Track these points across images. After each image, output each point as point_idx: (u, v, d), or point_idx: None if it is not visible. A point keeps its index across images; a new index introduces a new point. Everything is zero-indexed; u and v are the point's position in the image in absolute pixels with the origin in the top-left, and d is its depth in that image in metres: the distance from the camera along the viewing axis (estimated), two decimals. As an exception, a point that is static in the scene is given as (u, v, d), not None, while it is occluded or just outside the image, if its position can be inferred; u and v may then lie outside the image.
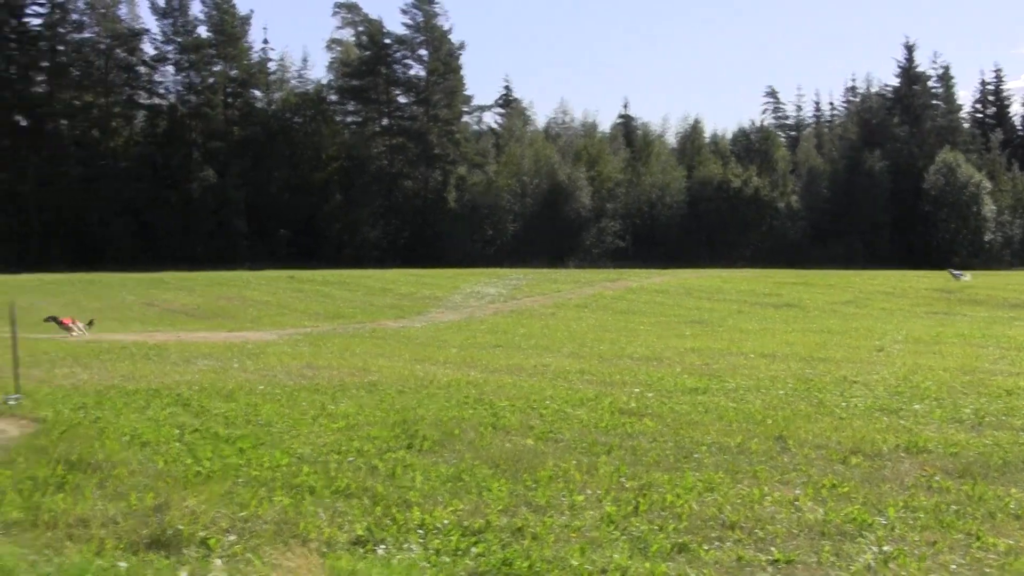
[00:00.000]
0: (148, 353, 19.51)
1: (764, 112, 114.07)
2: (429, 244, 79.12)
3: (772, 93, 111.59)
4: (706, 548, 6.14)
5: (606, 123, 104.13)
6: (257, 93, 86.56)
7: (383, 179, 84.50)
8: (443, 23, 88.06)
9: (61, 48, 78.50)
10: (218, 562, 5.80)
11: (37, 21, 78.30)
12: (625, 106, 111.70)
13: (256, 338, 25.29)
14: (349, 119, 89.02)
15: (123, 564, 5.59)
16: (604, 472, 8.14)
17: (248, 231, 77.49)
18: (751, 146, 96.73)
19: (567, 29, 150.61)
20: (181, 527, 6.31)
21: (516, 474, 8.06)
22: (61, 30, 78.64)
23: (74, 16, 79.17)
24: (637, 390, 13.49)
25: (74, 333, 25.60)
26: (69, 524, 6.46)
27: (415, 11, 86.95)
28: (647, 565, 5.75)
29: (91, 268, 57.41)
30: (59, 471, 7.88)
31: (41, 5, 78.17)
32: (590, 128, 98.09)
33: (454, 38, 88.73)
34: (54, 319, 26.35)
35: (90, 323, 27.20)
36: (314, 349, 21.23)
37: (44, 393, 12.74)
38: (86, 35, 79.81)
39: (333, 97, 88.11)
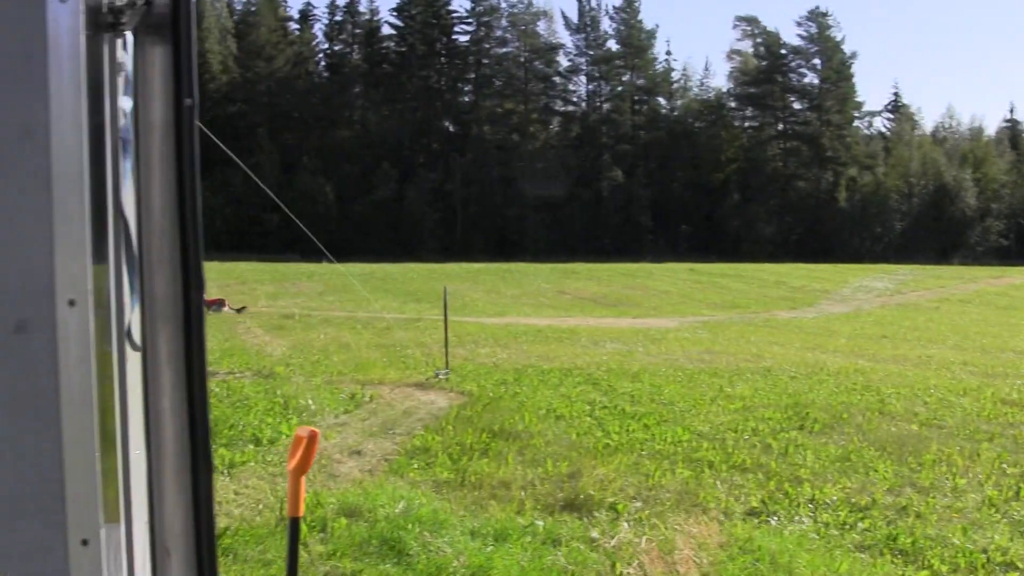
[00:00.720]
0: (560, 336, 20.71)
1: None
2: (820, 240, 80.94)
3: None
4: (1089, 534, 6.16)
5: (992, 127, 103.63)
6: (661, 100, 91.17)
7: (778, 179, 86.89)
8: (836, 34, 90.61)
9: (485, 61, 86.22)
10: (625, 525, 6.09)
11: (465, 38, 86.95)
12: (1011, 111, 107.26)
13: (658, 324, 25.99)
14: (746, 124, 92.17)
15: (540, 523, 5.99)
16: (986, 458, 8.34)
17: (652, 226, 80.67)
18: None
19: (955, 38, 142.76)
20: (592, 492, 6.69)
21: (901, 457, 8.33)
22: (486, 45, 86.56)
23: (497, 32, 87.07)
24: (1019, 382, 13.69)
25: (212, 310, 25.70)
26: (493, 485, 7.03)
27: (809, 23, 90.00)
28: (1027, 547, 5.89)
29: (508, 258, 62.12)
30: (483, 438, 8.59)
31: (468, 23, 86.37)
32: (976, 132, 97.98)
33: (846, 48, 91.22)
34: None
35: (240, 309, 26.42)
36: (712, 336, 21.72)
37: (469, 369, 13.94)
38: (508, 49, 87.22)
39: (732, 103, 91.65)
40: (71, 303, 1.28)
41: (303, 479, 2.83)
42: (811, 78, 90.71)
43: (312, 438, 2.72)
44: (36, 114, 1.25)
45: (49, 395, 1.26)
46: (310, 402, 10.43)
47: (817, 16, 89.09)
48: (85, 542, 1.30)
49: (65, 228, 1.27)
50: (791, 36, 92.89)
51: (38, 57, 1.25)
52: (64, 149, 1.27)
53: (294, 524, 2.98)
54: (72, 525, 1.28)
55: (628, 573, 5.27)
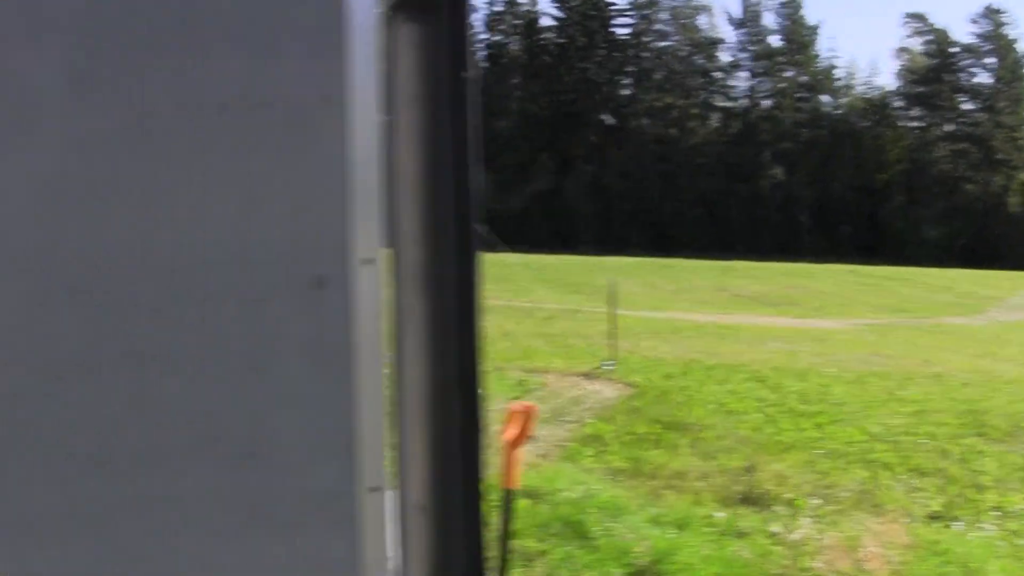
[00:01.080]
0: (722, 333, 20.48)
1: None
2: (988, 246, 76.81)
3: None
4: None
5: None
6: (824, 98, 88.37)
7: (945, 182, 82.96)
8: (1010, 32, 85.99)
9: (645, 55, 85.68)
10: (806, 520, 5.98)
11: (625, 31, 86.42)
12: None
13: (821, 325, 25.44)
14: (913, 124, 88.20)
15: (719, 515, 5.97)
16: None
17: (812, 226, 78.29)
18: None
19: None
20: (769, 488, 6.62)
21: (1091, 473, 8.11)
22: (645, 39, 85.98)
23: (658, 26, 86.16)
24: None
25: None
26: (668, 476, 7.09)
27: (983, 20, 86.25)
28: None
29: (664, 254, 61.42)
30: (655, 429, 8.61)
31: (629, 16, 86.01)
32: None
33: (1020, 47, 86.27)
34: None
35: None
36: (878, 339, 21.28)
37: (634, 362, 13.94)
38: (668, 43, 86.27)
39: (898, 103, 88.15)
40: (366, 261, 1.33)
41: (518, 452, 2.88)
42: (983, 77, 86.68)
43: (528, 412, 2.76)
44: (335, 82, 1.30)
45: (343, 348, 1.31)
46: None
47: (991, 13, 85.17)
48: (374, 489, 1.35)
49: (363, 189, 1.32)
50: (961, 34, 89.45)
51: (338, 28, 1.30)
52: (359, 115, 1.33)
53: (508, 495, 3.04)
54: (363, 472, 1.33)
55: (814, 567, 5.20)
